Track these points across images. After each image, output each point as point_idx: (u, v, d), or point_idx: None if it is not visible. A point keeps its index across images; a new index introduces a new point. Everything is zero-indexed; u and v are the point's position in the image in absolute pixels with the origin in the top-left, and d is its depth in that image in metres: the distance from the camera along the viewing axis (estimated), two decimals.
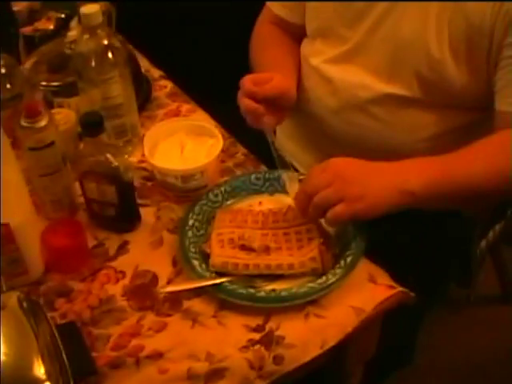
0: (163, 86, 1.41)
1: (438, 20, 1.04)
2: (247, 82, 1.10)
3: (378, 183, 0.94)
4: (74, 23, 1.45)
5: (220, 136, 1.11)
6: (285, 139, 1.41)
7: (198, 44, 1.97)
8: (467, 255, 1.37)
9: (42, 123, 0.98)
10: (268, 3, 1.35)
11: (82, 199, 1.08)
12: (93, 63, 1.08)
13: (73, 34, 1.40)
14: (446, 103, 1.11)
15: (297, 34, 1.32)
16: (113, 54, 1.08)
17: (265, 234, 0.99)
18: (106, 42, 1.07)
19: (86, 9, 1.04)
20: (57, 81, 1.26)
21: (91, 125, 0.95)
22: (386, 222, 0.98)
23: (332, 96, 1.20)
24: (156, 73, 1.45)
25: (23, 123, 0.97)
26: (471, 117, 1.14)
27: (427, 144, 1.16)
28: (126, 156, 1.16)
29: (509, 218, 1.64)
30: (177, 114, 1.32)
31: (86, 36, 1.07)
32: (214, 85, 1.60)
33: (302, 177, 1.11)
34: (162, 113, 1.32)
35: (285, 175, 1.09)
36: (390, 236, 1.10)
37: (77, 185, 1.07)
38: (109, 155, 0.98)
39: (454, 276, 1.39)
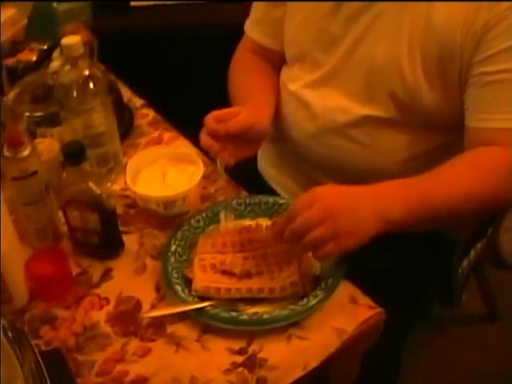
0: (145, 115, 1.42)
1: (410, 42, 1.07)
2: (210, 119, 1.10)
3: (365, 215, 0.94)
4: (56, 54, 1.48)
5: (201, 163, 1.12)
6: (266, 165, 1.43)
7: (179, 72, 2.00)
8: (449, 275, 1.39)
9: (25, 153, 0.99)
10: (247, 32, 1.37)
11: (65, 227, 1.09)
12: (74, 93, 1.09)
13: (55, 64, 1.43)
14: (422, 124, 1.14)
15: (276, 62, 1.35)
16: (94, 84, 1.10)
17: (246, 258, 1.00)
18: (87, 73, 1.09)
19: (67, 40, 1.06)
20: (40, 111, 1.28)
21: (73, 154, 0.97)
22: (365, 244, 1.00)
23: (310, 121, 1.22)
24: (138, 102, 1.47)
25: (6, 153, 0.99)
26: (447, 138, 1.16)
27: (405, 165, 1.18)
28: (109, 184, 1.18)
29: (490, 237, 1.67)
30: (159, 142, 1.34)
31: (68, 67, 1.09)
32: (195, 113, 1.63)
33: (282, 201, 1.13)
34: (144, 141, 1.34)
35: (222, 211, 1.11)
36: (370, 258, 1.11)
37: (60, 213, 1.08)
38: (91, 183, 0.99)
39: (436, 296, 1.40)
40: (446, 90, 1.08)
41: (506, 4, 0.98)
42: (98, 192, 0.99)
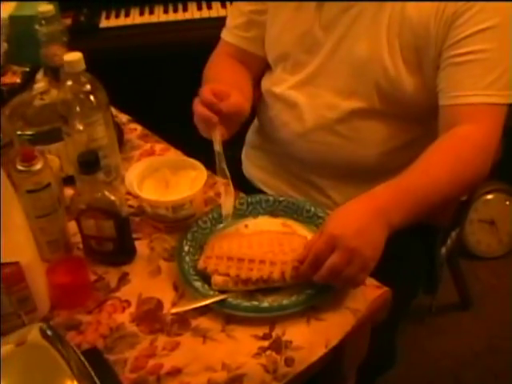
0: (133, 129, 1.47)
1: (389, 36, 1.17)
2: (207, 91, 1.13)
3: (376, 233, 0.97)
4: (39, 75, 1.51)
5: (203, 167, 1.17)
6: (252, 168, 1.49)
7: (153, 89, 2.05)
8: (431, 261, 1.47)
9: (38, 166, 1.02)
10: (227, 38, 1.42)
11: (75, 238, 1.13)
12: (77, 108, 1.13)
13: (40, 85, 1.46)
14: (404, 115, 1.23)
15: (254, 66, 1.41)
16: (95, 97, 1.14)
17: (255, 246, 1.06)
18: (88, 87, 1.13)
19: (69, 56, 1.10)
20: (31, 130, 1.31)
21: (89, 163, 1.00)
22: None
23: (298, 120, 1.29)
24: (124, 117, 1.51)
25: (20, 167, 1.02)
26: (427, 128, 1.26)
27: (388, 156, 1.26)
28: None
29: (460, 228, 1.77)
30: (151, 153, 1.38)
31: (70, 82, 1.13)
32: (173, 128, 1.68)
33: (281, 198, 1.19)
34: (137, 153, 1.38)
35: (222, 188, 1.13)
36: None
37: (70, 224, 1.12)
38: (106, 191, 1.03)
39: (422, 282, 1.48)
40: (424, 77, 1.19)
41: None
42: (113, 198, 1.03)
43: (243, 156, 1.53)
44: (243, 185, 1.44)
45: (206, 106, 1.12)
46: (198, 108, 1.13)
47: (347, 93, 1.24)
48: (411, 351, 1.93)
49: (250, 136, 1.52)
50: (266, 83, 1.39)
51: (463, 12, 1.12)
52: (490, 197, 2.19)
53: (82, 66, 1.12)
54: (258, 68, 1.42)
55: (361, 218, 0.97)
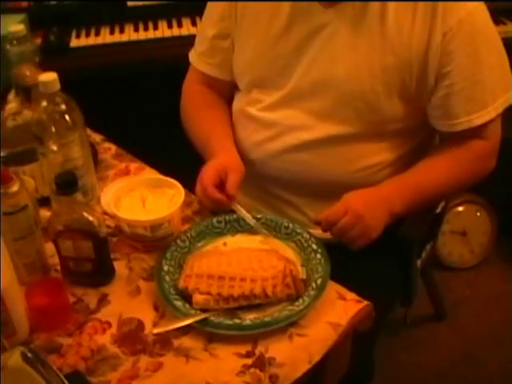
0: (107, 149, 1.46)
1: (369, 59, 1.17)
2: (211, 189, 1.16)
3: (379, 212, 1.17)
4: (11, 96, 1.49)
5: (180, 185, 1.18)
6: None
7: (125, 107, 2.05)
8: (407, 274, 1.48)
9: (15, 188, 1.01)
10: (194, 64, 1.43)
11: (52, 260, 1.11)
12: (53, 129, 1.12)
13: (12, 106, 1.44)
14: (383, 134, 1.24)
15: (224, 91, 1.43)
16: (71, 117, 1.13)
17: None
18: (64, 107, 1.12)
19: (45, 77, 1.10)
20: (5, 151, 1.29)
21: (67, 184, 0.99)
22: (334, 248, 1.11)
23: (272, 140, 1.29)
24: (97, 137, 1.51)
25: None
26: (410, 144, 1.29)
27: (365, 172, 1.27)
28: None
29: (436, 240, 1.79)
30: (126, 172, 1.38)
31: (44, 103, 1.12)
32: (147, 145, 1.67)
33: (259, 215, 1.20)
34: (112, 173, 1.38)
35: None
36: (342, 260, 1.18)
37: (47, 246, 1.10)
38: (84, 212, 1.02)
39: (399, 295, 1.49)
40: (405, 99, 1.20)
41: (456, 18, 1.12)
42: (91, 219, 1.03)
43: None
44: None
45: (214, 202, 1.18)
46: (213, 196, 1.17)
47: (323, 115, 1.24)
48: (386, 364, 1.92)
49: None
50: (238, 104, 1.39)
51: (454, 34, 1.13)
52: (461, 208, 2.22)
53: (57, 86, 1.11)
54: (228, 92, 1.43)
55: (369, 198, 1.18)
